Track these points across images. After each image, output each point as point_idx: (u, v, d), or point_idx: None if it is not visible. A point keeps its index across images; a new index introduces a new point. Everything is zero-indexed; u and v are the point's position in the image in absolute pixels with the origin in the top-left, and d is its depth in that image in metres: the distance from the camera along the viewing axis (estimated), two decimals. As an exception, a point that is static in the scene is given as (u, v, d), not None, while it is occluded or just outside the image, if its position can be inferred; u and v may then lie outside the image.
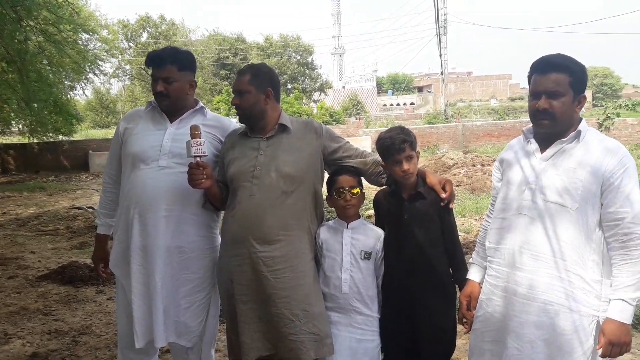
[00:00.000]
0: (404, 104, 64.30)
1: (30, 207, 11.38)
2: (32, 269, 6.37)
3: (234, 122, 2.92)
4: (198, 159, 2.45)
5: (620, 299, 2.04)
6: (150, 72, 2.73)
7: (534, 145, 2.24)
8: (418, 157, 2.55)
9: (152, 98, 2.76)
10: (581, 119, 2.20)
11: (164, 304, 2.59)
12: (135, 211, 2.60)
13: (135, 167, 2.65)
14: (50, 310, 4.93)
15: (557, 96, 2.13)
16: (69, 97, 15.69)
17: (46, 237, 8.38)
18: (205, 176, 2.48)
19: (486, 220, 2.51)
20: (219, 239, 2.75)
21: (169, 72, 2.64)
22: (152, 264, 2.58)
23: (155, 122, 2.73)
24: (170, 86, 2.65)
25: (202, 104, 2.82)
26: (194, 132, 2.45)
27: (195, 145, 2.43)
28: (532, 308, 2.14)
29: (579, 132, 2.14)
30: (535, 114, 2.19)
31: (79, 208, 10.86)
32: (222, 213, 2.79)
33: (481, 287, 2.40)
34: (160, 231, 2.58)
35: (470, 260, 2.53)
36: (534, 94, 2.19)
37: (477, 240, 2.55)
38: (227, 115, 31.20)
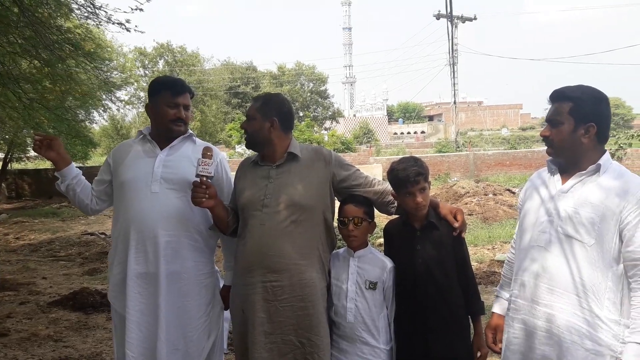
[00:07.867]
0: (415, 133, 64.52)
1: (43, 233, 11.45)
2: (43, 295, 6.39)
3: (222, 153, 2.99)
4: (204, 178, 2.48)
5: (636, 343, 1.94)
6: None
7: (555, 177, 2.22)
8: (430, 188, 2.55)
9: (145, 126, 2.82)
10: (605, 151, 2.14)
11: (169, 334, 2.57)
12: (132, 238, 2.60)
13: (129, 195, 2.66)
14: (61, 336, 4.93)
15: (556, 124, 2.15)
16: (85, 123, 15.76)
17: (58, 263, 8.43)
18: (207, 195, 2.50)
19: (510, 252, 2.47)
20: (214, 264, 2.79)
21: (188, 100, 2.75)
22: (154, 292, 2.58)
23: (146, 149, 2.76)
24: (188, 113, 2.75)
25: (191, 131, 2.86)
26: (205, 153, 2.51)
27: (202, 164, 2.48)
28: (550, 342, 2.09)
29: (599, 166, 2.08)
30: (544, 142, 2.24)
31: (91, 234, 10.93)
32: (222, 241, 2.83)
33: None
34: (159, 257, 2.58)
35: (496, 293, 2.49)
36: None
37: (502, 273, 2.50)
38: (239, 142, 31.40)
